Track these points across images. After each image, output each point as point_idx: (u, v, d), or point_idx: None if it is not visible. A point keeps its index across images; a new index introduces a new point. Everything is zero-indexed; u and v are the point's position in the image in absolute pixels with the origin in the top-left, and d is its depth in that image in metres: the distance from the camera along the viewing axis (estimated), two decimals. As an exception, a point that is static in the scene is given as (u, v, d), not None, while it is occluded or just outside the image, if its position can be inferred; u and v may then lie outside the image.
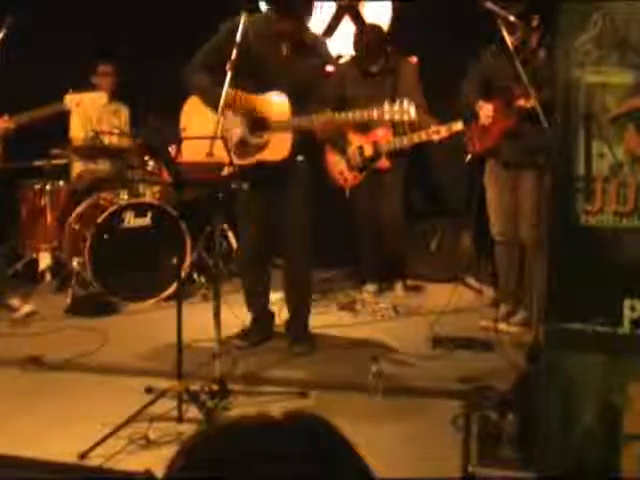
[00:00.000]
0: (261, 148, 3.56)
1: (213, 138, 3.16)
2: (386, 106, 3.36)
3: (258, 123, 3.58)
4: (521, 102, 3.97)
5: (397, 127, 4.82)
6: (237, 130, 3.60)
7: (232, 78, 3.23)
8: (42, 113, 4.18)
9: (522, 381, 2.91)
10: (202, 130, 3.44)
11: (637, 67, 1.99)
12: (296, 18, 3.50)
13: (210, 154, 3.27)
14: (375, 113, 3.41)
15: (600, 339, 2.06)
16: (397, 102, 3.38)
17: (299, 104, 3.54)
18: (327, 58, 3.84)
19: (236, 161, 3.33)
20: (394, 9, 5.69)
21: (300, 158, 3.71)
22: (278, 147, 3.55)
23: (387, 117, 3.41)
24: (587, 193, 2.04)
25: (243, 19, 3.28)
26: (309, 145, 3.77)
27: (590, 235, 2.07)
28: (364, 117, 3.48)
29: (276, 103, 3.54)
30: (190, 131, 3.57)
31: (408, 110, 3.35)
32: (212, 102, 3.43)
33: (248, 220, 3.86)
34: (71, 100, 4.17)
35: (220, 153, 3.16)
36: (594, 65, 2.00)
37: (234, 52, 3.22)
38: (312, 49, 3.65)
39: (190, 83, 3.60)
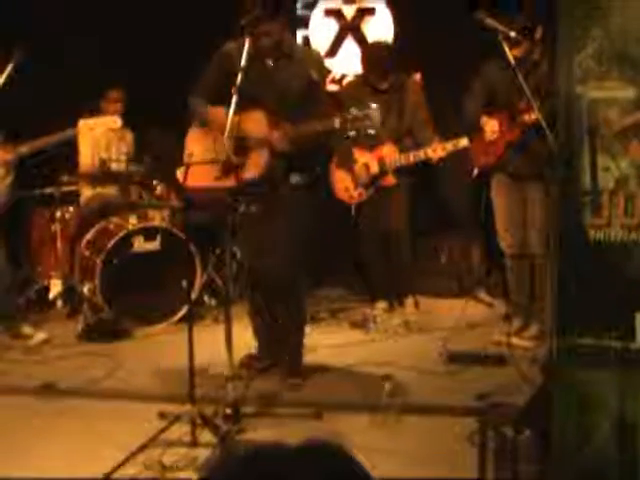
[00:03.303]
0: (241, 168, 3.48)
1: (215, 162, 3.18)
2: (353, 111, 3.33)
3: (240, 143, 3.53)
4: (525, 117, 3.99)
5: (400, 143, 4.85)
6: (222, 152, 3.46)
7: (237, 101, 3.24)
8: (54, 139, 4.22)
9: (538, 396, 2.89)
10: (207, 154, 3.47)
11: (637, 81, 1.99)
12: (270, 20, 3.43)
13: (218, 178, 3.29)
14: (337, 121, 3.34)
15: (613, 354, 2.05)
16: (362, 109, 3.33)
17: (292, 117, 3.49)
18: (317, 66, 3.70)
19: (221, 183, 3.27)
20: (396, 24, 5.74)
21: (296, 179, 3.63)
22: (254, 165, 3.50)
23: (348, 125, 3.34)
24: (594, 207, 2.04)
25: (248, 43, 3.29)
26: (310, 167, 3.74)
27: (599, 249, 2.07)
28: (326, 127, 3.41)
29: (252, 120, 3.50)
30: (196, 157, 3.57)
31: (371, 114, 3.28)
32: (201, 121, 3.56)
33: (245, 245, 3.84)
34: (84, 125, 4.21)
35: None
36: (596, 80, 2.01)
37: (239, 77, 3.24)
38: (301, 59, 3.59)
39: (189, 110, 3.65)
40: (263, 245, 3.70)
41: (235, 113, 3.33)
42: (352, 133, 4.45)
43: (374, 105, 3.32)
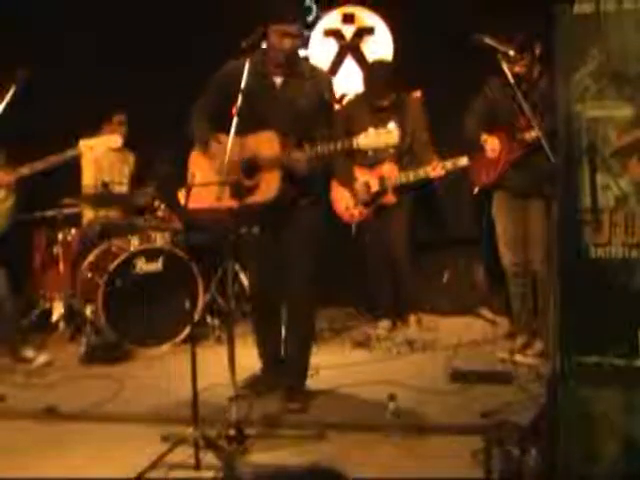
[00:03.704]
0: (252, 190, 3.45)
1: (221, 184, 3.18)
2: (371, 130, 3.30)
3: (250, 164, 3.48)
4: (526, 135, 4.00)
5: (401, 160, 4.87)
6: (230, 173, 3.39)
7: (237, 123, 3.23)
8: (57, 159, 4.24)
9: (542, 414, 2.87)
10: (210, 176, 3.46)
11: (634, 100, 2.01)
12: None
13: (219, 198, 3.29)
14: (355, 141, 3.30)
15: (617, 372, 2.04)
16: (381, 128, 3.30)
17: (302, 136, 3.46)
18: (327, 86, 3.66)
19: (232, 204, 3.24)
20: (395, 44, 5.77)
21: (305, 201, 3.59)
22: (266, 188, 3.44)
23: (369, 143, 3.31)
24: (594, 225, 2.05)
25: (247, 66, 3.29)
26: (316, 186, 3.71)
27: (600, 267, 2.07)
28: (344, 147, 3.35)
29: (264, 140, 3.45)
30: (199, 178, 3.55)
31: (392, 133, 3.25)
32: (200, 143, 3.53)
33: (255, 266, 3.81)
34: (85, 145, 4.23)
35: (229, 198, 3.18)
36: (594, 99, 2.02)
37: (239, 99, 3.25)
38: (309, 79, 3.54)
39: (189, 131, 3.63)
40: (277, 266, 3.66)
41: (243, 134, 3.33)
42: (370, 153, 4.45)
43: (392, 124, 3.31)
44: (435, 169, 4.66)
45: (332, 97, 3.75)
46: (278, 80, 3.55)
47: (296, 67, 3.55)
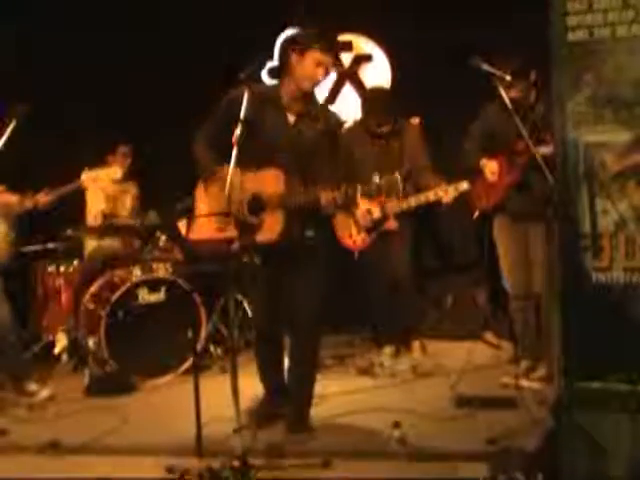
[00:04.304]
0: (256, 229, 3.41)
1: (223, 215, 3.19)
2: (375, 179, 3.29)
3: (255, 201, 3.45)
4: (525, 158, 4.02)
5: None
6: (235, 207, 3.37)
7: (237, 154, 3.22)
8: (62, 191, 4.28)
9: (548, 440, 2.86)
10: (214, 208, 3.45)
11: (631, 124, 2.02)
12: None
13: (220, 229, 3.29)
14: (359, 189, 3.25)
15: (621, 397, 2.03)
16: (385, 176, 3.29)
17: (307, 178, 3.44)
18: (337, 126, 3.66)
19: (233, 235, 3.22)
20: (393, 70, 5.83)
21: (310, 233, 3.54)
22: (268, 229, 3.41)
23: (373, 190, 3.25)
24: (595, 250, 2.05)
25: (247, 96, 3.30)
26: (320, 218, 3.69)
27: (602, 292, 2.07)
28: (348, 194, 3.27)
29: (269, 178, 3.42)
30: (201, 209, 3.55)
31: (395, 180, 3.20)
32: (203, 174, 3.50)
33: (257, 297, 3.79)
34: (88, 177, 4.27)
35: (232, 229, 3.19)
36: (590, 125, 2.03)
37: (238, 128, 3.24)
38: (321, 120, 3.52)
39: (193, 158, 3.63)
40: (280, 295, 3.63)
41: (248, 168, 3.32)
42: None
43: (397, 174, 3.27)
44: (436, 194, 4.67)
45: (341, 141, 3.74)
46: (292, 118, 3.52)
47: (311, 106, 3.54)
